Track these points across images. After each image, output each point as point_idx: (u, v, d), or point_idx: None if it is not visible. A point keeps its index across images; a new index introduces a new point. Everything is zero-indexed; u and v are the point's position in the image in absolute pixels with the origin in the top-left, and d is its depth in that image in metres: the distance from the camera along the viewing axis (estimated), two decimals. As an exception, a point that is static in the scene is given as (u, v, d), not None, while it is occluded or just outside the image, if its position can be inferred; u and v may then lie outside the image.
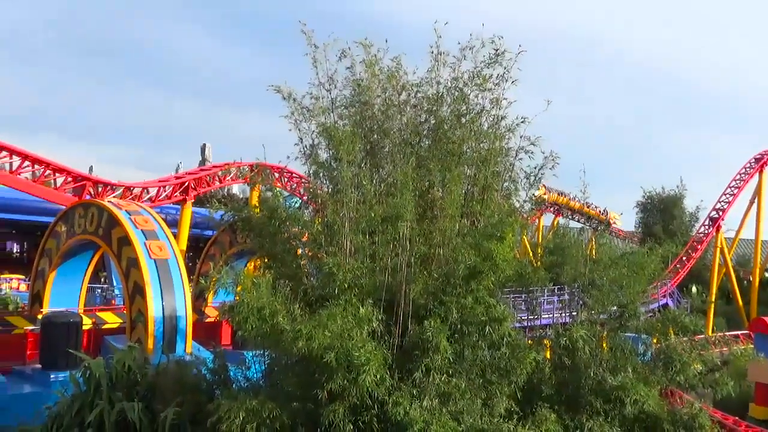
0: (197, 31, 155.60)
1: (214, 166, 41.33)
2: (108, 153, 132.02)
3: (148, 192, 36.42)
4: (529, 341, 14.33)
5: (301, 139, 14.16)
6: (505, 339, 12.17)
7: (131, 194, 34.98)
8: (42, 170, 32.35)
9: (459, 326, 11.86)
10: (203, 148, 63.01)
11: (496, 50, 14.18)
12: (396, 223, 12.25)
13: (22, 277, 40.29)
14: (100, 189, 33.63)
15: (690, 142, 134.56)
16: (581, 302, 15.43)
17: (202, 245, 30.59)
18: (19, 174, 31.20)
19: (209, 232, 34.69)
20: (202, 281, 22.44)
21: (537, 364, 13.06)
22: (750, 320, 41.13)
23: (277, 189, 15.94)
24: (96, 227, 20.61)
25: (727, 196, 51.22)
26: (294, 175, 38.88)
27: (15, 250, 56.08)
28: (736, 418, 23.91)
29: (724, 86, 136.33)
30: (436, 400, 11.25)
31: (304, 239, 13.65)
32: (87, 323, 21.74)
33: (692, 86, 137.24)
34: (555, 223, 52.66)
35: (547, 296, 19.28)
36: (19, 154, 30.98)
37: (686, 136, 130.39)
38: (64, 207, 24.62)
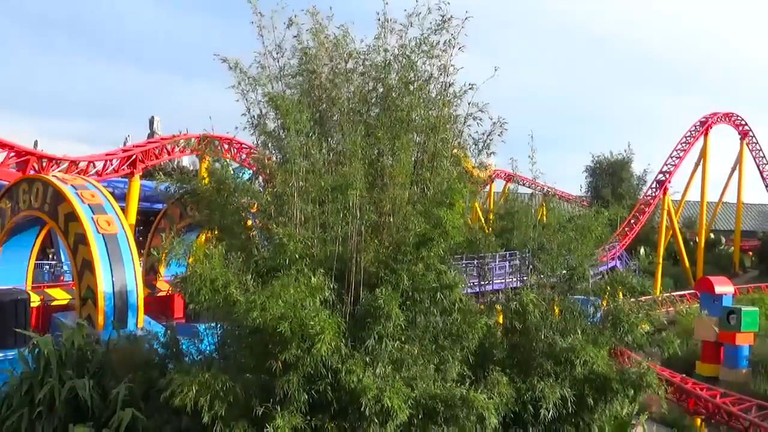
0: (147, 3, 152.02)
1: (162, 139, 40.62)
2: (53, 127, 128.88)
3: (94, 166, 35.65)
4: (481, 306, 14.52)
5: (248, 109, 14.00)
6: (456, 305, 12.31)
7: (77, 168, 34.21)
8: (-17, 146, 31.50)
9: (411, 293, 11.94)
10: (152, 121, 61.72)
11: (443, 17, 14.13)
12: (346, 192, 12.23)
13: (-33, 255, 39.36)
14: (44, 164, 32.84)
15: (636, 106, 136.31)
16: (531, 267, 15.64)
17: (153, 219, 30.20)
18: (-40, 150, 30.34)
19: (159, 206, 34.24)
20: (154, 253, 22.24)
21: (488, 329, 13.26)
22: (696, 280, 42.17)
23: (226, 160, 15.77)
24: (42, 203, 20.20)
25: (674, 159, 52.27)
26: (243, 146, 38.44)
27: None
28: (684, 375, 24.69)
29: (669, 49, 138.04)
30: (390, 367, 11.36)
31: (254, 210, 13.57)
32: (35, 300, 21.40)
33: (638, 49, 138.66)
34: (506, 189, 53.15)
35: (498, 262, 19.47)
36: (-42, 129, 30.12)
37: (633, 100, 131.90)
38: (7, 183, 24.02)
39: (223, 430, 10.76)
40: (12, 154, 32.01)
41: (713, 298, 30.88)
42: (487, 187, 49.51)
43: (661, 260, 48.64)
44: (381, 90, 14.37)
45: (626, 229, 49.19)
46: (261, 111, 13.96)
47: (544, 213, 18.60)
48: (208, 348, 13.26)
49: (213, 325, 13.31)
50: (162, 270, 24.74)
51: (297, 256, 11.77)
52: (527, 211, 17.63)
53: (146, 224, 39.20)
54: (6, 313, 19.16)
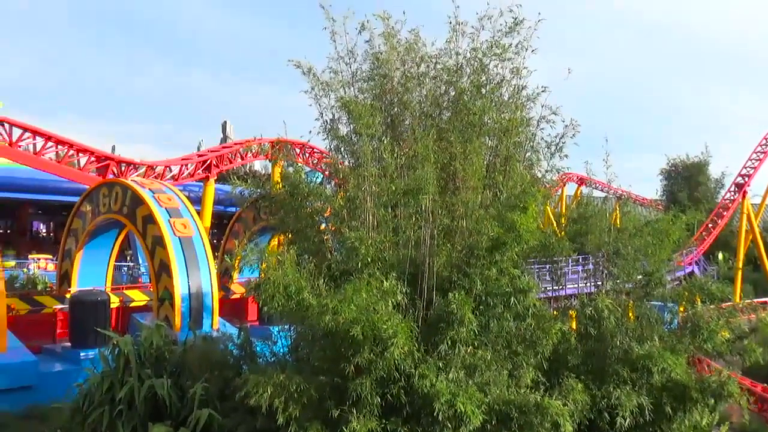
0: (219, 9, 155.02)
1: (236, 143, 41.36)
2: (129, 132, 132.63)
3: (170, 170, 36.57)
4: (555, 312, 14.33)
5: (321, 113, 14.14)
6: (530, 310, 12.15)
7: (154, 173, 35.15)
8: (66, 150, 32.57)
9: (484, 298, 11.84)
10: (224, 125, 62.94)
11: (515, 19, 14.04)
12: (418, 195, 12.21)
13: (50, 256, 40.74)
14: (123, 168, 33.83)
15: (715, 107, 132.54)
16: (606, 271, 15.34)
17: (226, 222, 30.81)
18: (43, 155, 31.43)
19: (232, 209, 34.86)
20: (227, 258, 22.60)
21: (563, 335, 13.03)
22: (778, 286, 40.76)
23: (299, 164, 15.94)
24: (120, 206, 20.79)
25: (753, 161, 50.54)
26: (315, 150, 38.87)
27: (42, 231, 56.69)
28: (766, 385, 23.85)
29: (750, 45, 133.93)
30: (462, 372, 11.26)
31: (327, 214, 13.67)
32: (115, 301, 22.02)
33: (718, 46, 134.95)
34: (578, 192, 52.35)
35: (572, 266, 19.16)
36: (42, 134, 31.20)
37: (711, 100, 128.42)
38: (88, 187, 24.79)
39: (298, 431, 10.84)
40: (92, 158, 33.07)
41: (797, 305, 29.78)
42: (559, 190, 48.86)
43: (741, 266, 47.12)
44: (453, 93, 14.35)
45: (704, 233, 47.85)
46: (333, 115, 14.08)
47: (618, 217, 18.24)
48: (281, 350, 13.41)
49: (286, 327, 13.47)
50: (235, 273, 25.17)
51: (369, 260, 11.79)
52: (601, 215, 17.28)
53: (220, 227, 40.05)
54: (87, 314, 19.76)
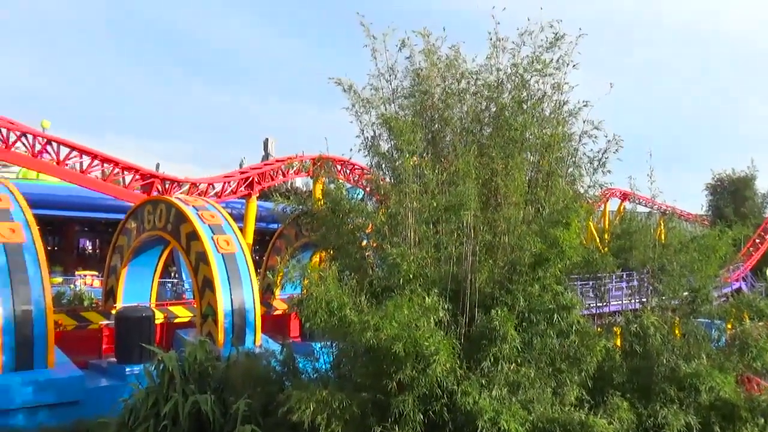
0: (260, 29, 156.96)
1: (278, 160, 41.70)
2: (172, 150, 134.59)
3: (213, 187, 36.98)
4: (599, 328, 14.15)
5: (362, 130, 14.19)
6: (573, 327, 12.04)
7: (197, 190, 35.57)
8: (111, 168, 33.15)
9: (526, 314, 11.75)
10: (266, 143, 63.57)
11: (555, 34, 13.98)
12: (459, 212, 12.18)
13: (96, 273, 41.40)
14: (167, 185, 34.30)
15: (762, 120, 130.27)
16: (651, 288, 15.15)
17: (268, 238, 31.00)
18: (90, 173, 32.02)
19: (274, 226, 35.10)
20: (270, 275, 22.74)
21: (607, 352, 12.89)
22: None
23: (340, 181, 16.00)
24: (165, 223, 21.08)
25: (802, 174, 49.52)
26: (356, 166, 39.05)
27: (88, 248, 57.64)
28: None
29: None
30: (506, 390, 11.18)
31: (368, 230, 13.69)
32: (159, 317, 22.26)
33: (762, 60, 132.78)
34: (621, 207, 51.75)
35: (616, 282, 18.94)
36: (88, 153, 31.78)
37: (758, 113, 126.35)
38: (133, 204, 25.18)
39: (340, 447, 10.85)
40: (137, 176, 33.60)
41: None
42: (602, 205, 48.34)
43: (790, 282, 46.09)
44: (494, 109, 14.30)
45: (751, 249, 46.96)
46: (374, 132, 14.12)
47: (663, 232, 18.01)
48: (323, 366, 13.44)
49: (328, 344, 13.50)
50: (277, 290, 25.32)
51: (411, 276, 11.78)
52: (646, 231, 17.07)
53: (262, 244, 40.34)
54: (132, 329, 20.01)
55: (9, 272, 17.12)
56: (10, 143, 29.55)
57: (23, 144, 30.15)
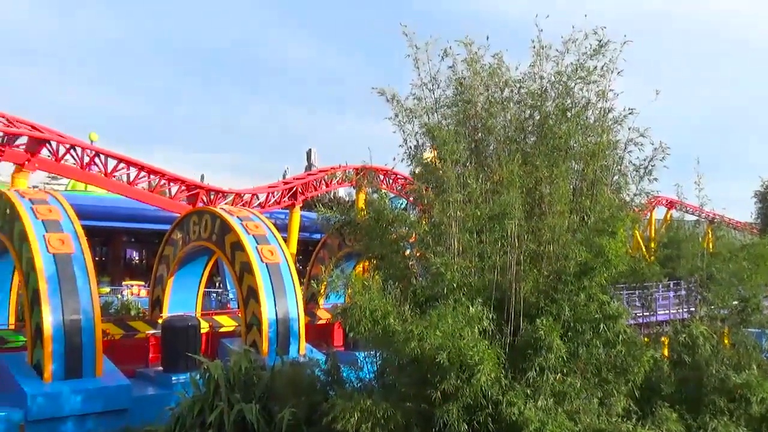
0: (300, 39, 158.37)
1: (321, 171, 41.95)
2: (216, 161, 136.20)
3: (257, 198, 37.35)
4: (646, 338, 13.97)
5: (405, 140, 14.21)
6: (620, 336, 11.87)
7: (242, 200, 35.97)
8: (157, 180, 33.69)
9: (572, 324, 11.64)
10: (309, 153, 64.00)
11: (600, 41, 13.85)
12: (503, 221, 12.12)
13: (142, 283, 42.00)
14: (212, 196, 34.73)
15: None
16: (699, 297, 14.91)
17: (311, 248, 31.19)
18: (136, 184, 32.58)
19: (317, 236, 35.30)
20: (314, 284, 22.84)
21: (655, 362, 12.72)
22: None
23: (383, 191, 16.04)
24: (210, 233, 21.31)
25: None
26: (399, 176, 39.09)
27: (135, 258, 58.54)
28: None
29: None
30: (551, 400, 11.07)
31: (412, 240, 13.69)
32: (204, 326, 22.48)
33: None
34: (668, 216, 51.06)
35: (663, 292, 18.69)
36: (135, 165, 32.35)
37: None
38: (179, 215, 25.51)
39: (384, 457, 10.84)
40: (183, 187, 34.08)
41: None
42: (648, 214, 47.72)
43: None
44: (537, 117, 14.21)
45: (803, 257, 45.83)
46: (417, 142, 14.14)
47: (711, 241, 17.74)
48: (367, 376, 13.46)
49: (372, 353, 13.52)
50: (321, 299, 25.42)
51: (455, 286, 11.74)
52: (693, 239, 16.83)
53: (306, 254, 40.55)
54: (178, 339, 20.23)
55: (59, 282, 17.43)
56: (60, 156, 30.21)
57: (72, 156, 30.81)
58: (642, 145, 14.11)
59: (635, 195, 14.89)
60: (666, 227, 40.18)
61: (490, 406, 10.86)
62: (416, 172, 14.36)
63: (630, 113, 13.99)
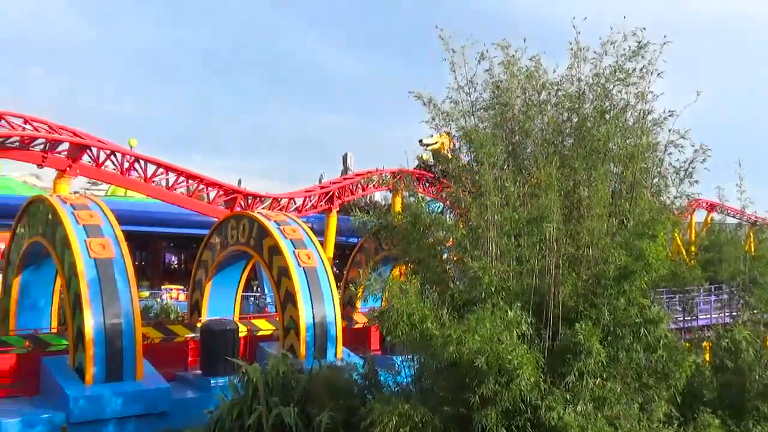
0: (336, 46, 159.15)
1: (357, 175, 42.06)
2: (253, 166, 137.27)
3: (294, 202, 37.57)
4: (687, 343, 13.78)
5: (442, 143, 14.19)
6: (661, 341, 11.71)
7: (279, 205, 36.21)
8: (195, 185, 34.03)
9: (612, 328, 11.51)
10: (345, 157, 64.12)
11: (638, 42, 13.71)
12: (541, 224, 12.03)
13: (181, 287, 42.51)
14: (250, 201, 35.03)
15: None
16: (742, 301, 14.68)
17: (348, 252, 31.25)
18: (175, 189, 32.98)
19: (354, 240, 35.39)
20: (351, 287, 22.88)
21: (697, 367, 12.53)
22: None
23: (420, 194, 16.02)
24: (248, 238, 21.46)
25: None
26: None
27: (174, 263, 59.19)
28: None
29: None
30: (591, 405, 10.96)
31: (449, 244, 13.65)
32: (243, 330, 22.61)
33: None
34: (708, 219, 50.26)
35: (704, 296, 18.43)
36: (174, 170, 32.75)
37: None
38: (217, 219, 25.72)
39: (422, 461, 10.81)
40: (221, 192, 34.41)
41: None
42: (689, 217, 47.04)
43: None
44: (575, 120, 14.10)
45: None
46: (454, 145, 14.11)
47: (753, 243, 17.43)
48: (405, 380, 13.44)
49: (409, 357, 13.50)
50: (358, 303, 25.44)
51: (493, 290, 11.65)
52: (735, 242, 16.58)
53: (343, 257, 40.69)
54: (217, 342, 20.36)
55: (100, 286, 17.66)
56: (101, 162, 30.68)
57: (112, 162, 31.29)
58: (682, 147, 13.94)
59: (675, 198, 14.71)
60: (707, 230, 39.54)
61: (528, 411, 10.78)
62: (454, 175, 14.32)
63: (670, 115, 13.83)
